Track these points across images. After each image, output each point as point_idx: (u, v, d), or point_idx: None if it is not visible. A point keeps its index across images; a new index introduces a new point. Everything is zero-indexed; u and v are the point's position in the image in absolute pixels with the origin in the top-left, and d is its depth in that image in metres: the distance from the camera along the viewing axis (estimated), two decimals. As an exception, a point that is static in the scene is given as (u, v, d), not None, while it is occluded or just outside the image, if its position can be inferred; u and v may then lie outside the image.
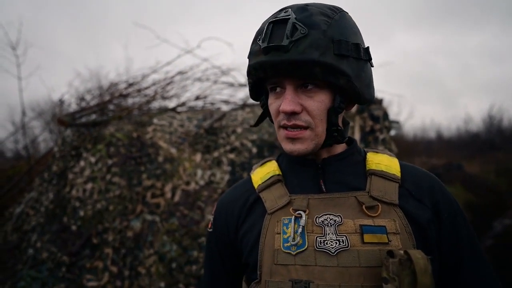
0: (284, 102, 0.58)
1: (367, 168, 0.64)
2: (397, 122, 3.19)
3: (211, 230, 0.73)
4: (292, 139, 0.60)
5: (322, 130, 0.60)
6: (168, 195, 2.30)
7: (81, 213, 2.33)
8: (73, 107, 3.16)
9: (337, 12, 0.59)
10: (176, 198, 2.29)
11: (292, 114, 0.58)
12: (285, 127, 0.60)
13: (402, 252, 0.52)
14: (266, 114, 0.69)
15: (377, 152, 0.68)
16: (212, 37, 3.24)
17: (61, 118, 2.67)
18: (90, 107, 2.93)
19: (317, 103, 0.59)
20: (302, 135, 0.59)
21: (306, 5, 0.59)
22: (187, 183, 2.34)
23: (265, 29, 0.56)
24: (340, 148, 0.67)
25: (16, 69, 3.48)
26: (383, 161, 0.65)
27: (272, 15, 0.61)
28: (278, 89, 0.61)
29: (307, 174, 0.65)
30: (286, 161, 0.70)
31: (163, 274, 2.07)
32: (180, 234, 2.16)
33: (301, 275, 0.55)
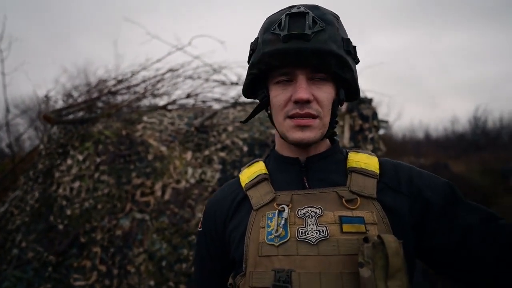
0: (299, 90, 0.60)
1: (348, 166, 0.68)
2: (386, 122, 3.24)
3: (200, 229, 0.74)
4: (302, 127, 0.62)
5: (327, 121, 0.65)
6: (158, 193, 2.28)
7: (68, 211, 2.29)
8: (60, 104, 3.10)
9: (338, 16, 0.66)
10: (166, 196, 2.27)
11: (305, 103, 0.61)
12: (295, 116, 0.62)
13: (375, 237, 0.54)
14: (262, 108, 0.70)
15: (357, 152, 0.71)
16: (203, 34, 3.23)
17: (47, 115, 2.61)
18: (77, 104, 2.87)
19: (326, 94, 0.63)
20: (312, 123, 0.62)
21: (316, 5, 0.63)
22: (178, 182, 2.32)
23: (283, 20, 0.59)
24: (324, 146, 0.70)
25: (0, 64, 3.38)
26: (362, 159, 0.68)
27: (284, 9, 0.64)
28: (285, 80, 0.63)
29: (292, 173, 0.68)
30: (273, 161, 0.73)
31: (152, 273, 2.05)
32: (170, 232, 2.15)
33: (283, 265, 0.57)
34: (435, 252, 0.62)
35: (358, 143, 2.35)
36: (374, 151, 2.34)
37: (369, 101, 2.55)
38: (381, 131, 3.21)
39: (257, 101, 0.72)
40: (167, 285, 2.02)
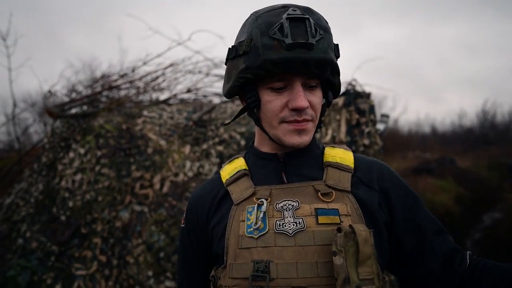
0: (298, 99, 0.61)
1: (324, 161, 0.70)
2: (387, 116, 3.22)
3: (183, 225, 0.76)
4: (299, 132, 0.64)
5: (317, 122, 0.68)
6: (157, 186, 2.33)
7: (70, 203, 2.35)
8: (64, 98, 3.16)
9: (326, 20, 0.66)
10: (165, 189, 2.32)
11: (303, 110, 0.62)
12: (292, 121, 0.63)
13: (347, 227, 0.57)
14: (248, 110, 0.68)
15: (333, 147, 0.74)
16: (203, 29, 3.24)
17: (50, 110, 2.67)
18: (79, 98, 2.93)
19: (318, 98, 0.65)
20: (308, 127, 0.65)
21: (309, 7, 0.62)
22: (176, 175, 2.36)
23: (284, 25, 0.57)
24: None
25: (7, 60, 3.46)
26: (338, 154, 0.71)
27: (277, 9, 0.61)
28: (280, 87, 0.62)
29: (271, 168, 0.70)
30: (252, 156, 0.75)
31: (151, 263, 2.11)
32: (168, 224, 2.20)
33: (262, 256, 0.59)
34: (396, 255, 0.67)
35: (354, 137, 2.35)
36: (371, 146, 2.35)
37: (367, 95, 2.54)
38: (382, 126, 3.19)
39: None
40: (165, 275, 2.08)
